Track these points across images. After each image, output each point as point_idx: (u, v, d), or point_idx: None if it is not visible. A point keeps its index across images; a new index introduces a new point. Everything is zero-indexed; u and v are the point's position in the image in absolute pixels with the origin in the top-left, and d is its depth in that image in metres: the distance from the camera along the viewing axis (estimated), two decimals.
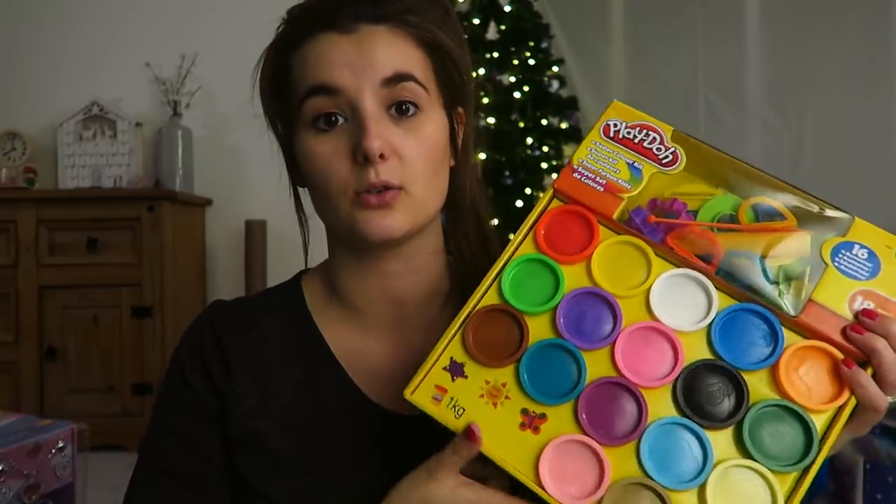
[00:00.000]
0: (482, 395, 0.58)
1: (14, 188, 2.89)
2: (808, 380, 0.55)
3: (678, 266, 0.60)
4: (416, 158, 0.64)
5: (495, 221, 3.03)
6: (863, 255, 0.58)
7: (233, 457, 0.68)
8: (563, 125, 3.26)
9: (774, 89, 3.77)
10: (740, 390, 0.55)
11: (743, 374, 0.56)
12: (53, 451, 0.78)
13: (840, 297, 0.56)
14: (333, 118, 0.63)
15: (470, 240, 0.72)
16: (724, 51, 3.79)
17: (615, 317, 0.59)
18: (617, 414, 0.56)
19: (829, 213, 0.59)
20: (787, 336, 0.57)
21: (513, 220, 3.03)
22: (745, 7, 3.81)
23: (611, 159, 0.64)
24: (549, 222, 0.63)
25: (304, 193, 0.73)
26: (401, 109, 0.64)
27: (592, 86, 3.84)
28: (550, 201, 0.64)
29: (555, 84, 3.32)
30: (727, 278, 0.58)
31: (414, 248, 0.69)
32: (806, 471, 0.53)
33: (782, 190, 0.61)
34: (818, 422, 0.54)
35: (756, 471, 0.53)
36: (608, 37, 3.90)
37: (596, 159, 0.64)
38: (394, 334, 0.71)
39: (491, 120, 3.08)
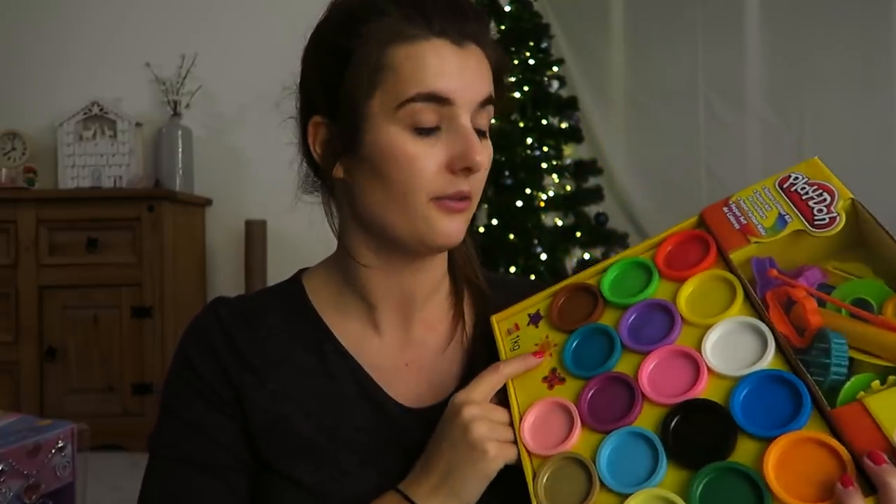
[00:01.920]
0: (537, 344, 0.68)
1: (14, 188, 2.89)
2: (796, 471, 0.50)
3: (760, 318, 0.58)
4: (483, 175, 0.69)
5: (495, 221, 3.03)
6: None
7: (255, 444, 0.68)
8: (563, 125, 3.26)
9: (774, 89, 3.77)
10: (727, 443, 0.53)
11: (740, 434, 0.53)
12: (53, 451, 0.78)
13: (894, 420, 0.49)
14: (437, 126, 0.65)
15: (466, 242, 0.76)
16: (724, 51, 3.80)
17: (671, 333, 0.62)
18: (611, 405, 0.61)
19: None
20: (810, 423, 0.51)
21: (513, 221, 3.03)
22: (745, 7, 3.81)
23: (766, 206, 0.65)
24: (677, 241, 0.68)
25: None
26: (479, 131, 0.67)
27: (592, 86, 3.84)
28: (695, 225, 0.69)
29: (555, 84, 3.32)
30: (807, 355, 0.54)
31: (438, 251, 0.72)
32: None
33: None
34: None
35: None
36: (608, 37, 3.90)
37: (753, 203, 0.66)
38: (400, 330, 0.73)
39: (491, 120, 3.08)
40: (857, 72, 3.66)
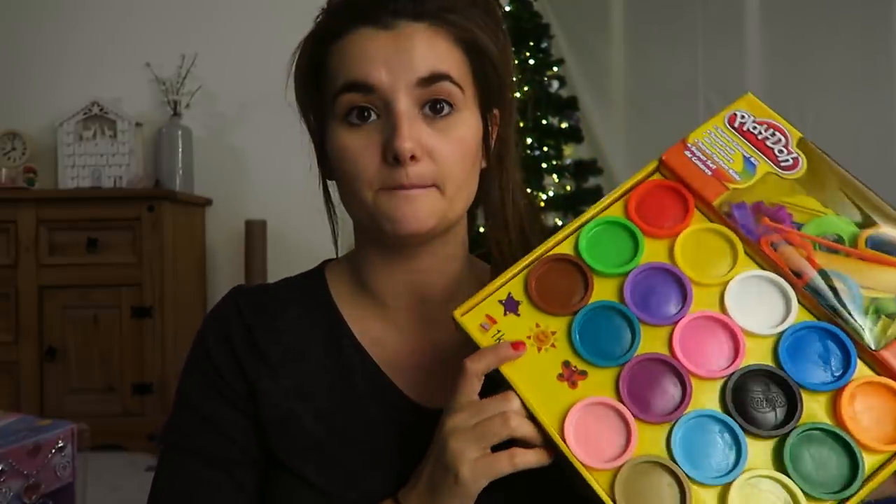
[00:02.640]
0: (528, 337, 0.58)
1: (14, 188, 2.89)
2: (869, 416, 0.53)
3: (764, 268, 0.58)
4: (448, 159, 0.63)
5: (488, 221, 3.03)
6: None
7: (267, 440, 0.67)
8: (563, 125, 3.26)
9: (774, 89, 3.77)
10: (793, 405, 0.53)
11: (802, 392, 0.53)
12: (53, 451, 0.78)
13: None
14: (366, 113, 0.63)
15: (513, 248, 0.70)
16: (724, 51, 3.79)
17: (685, 300, 0.57)
18: (658, 392, 0.55)
19: None
20: (860, 367, 0.54)
21: None
22: (745, 7, 3.81)
23: (728, 148, 0.61)
24: (645, 192, 0.62)
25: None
26: (435, 108, 0.63)
27: (592, 86, 3.83)
28: (653, 172, 0.63)
29: (555, 84, 3.32)
30: (814, 294, 0.56)
31: (439, 245, 0.69)
32: (844, 501, 0.51)
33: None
34: (868, 460, 0.51)
35: (786, 487, 0.51)
36: (608, 37, 3.90)
37: (712, 143, 0.62)
38: (417, 329, 0.71)
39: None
40: (858, 72, 3.66)
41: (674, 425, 0.53)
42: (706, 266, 0.59)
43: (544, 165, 3.16)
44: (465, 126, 0.65)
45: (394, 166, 0.62)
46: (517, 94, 3.11)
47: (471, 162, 0.66)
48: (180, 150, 3.07)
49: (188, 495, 0.67)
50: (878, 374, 0.54)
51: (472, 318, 0.60)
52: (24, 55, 3.17)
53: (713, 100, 3.82)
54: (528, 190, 3.09)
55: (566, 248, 0.61)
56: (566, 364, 0.57)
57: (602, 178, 3.44)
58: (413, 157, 0.61)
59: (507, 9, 3.23)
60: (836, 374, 0.54)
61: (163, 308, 2.77)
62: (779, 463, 0.52)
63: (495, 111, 0.70)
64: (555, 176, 3.21)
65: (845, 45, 3.65)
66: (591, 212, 0.62)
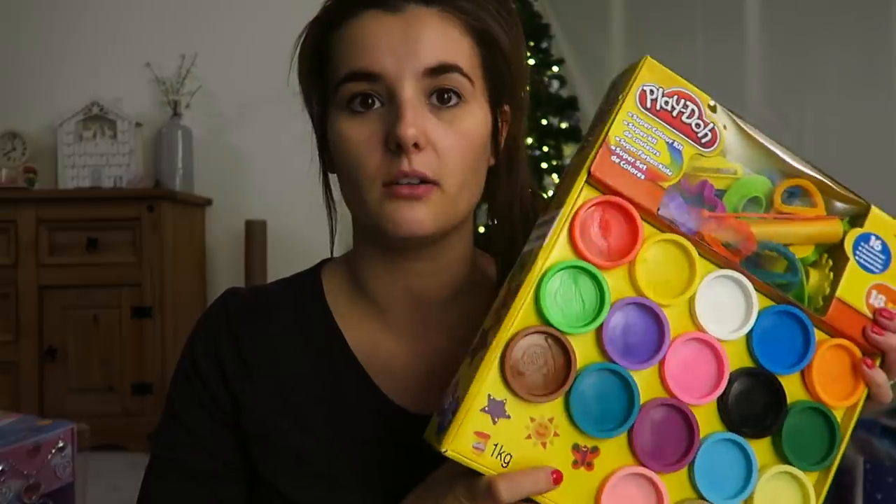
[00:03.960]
0: (529, 437, 0.51)
1: (14, 188, 2.89)
2: (831, 377, 0.57)
3: (719, 266, 0.56)
4: (452, 151, 0.60)
5: (495, 221, 3.03)
6: (877, 246, 0.58)
7: (250, 455, 0.66)
8: (563, 125, 3.26)
9: (774, 89, 3.77)
10: (779, 397, 0.56)
11: (781, 379, 0.56)
12: (53, 451, 0.78)
13: (859, 294, 0.57)
14: (370, 100, 0.60)
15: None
16: (724, 50, 3.79)
17: (662, 330, 0.53)
18: (670, 437, 0.53)
19: (851, 199, 0.58)
20: (817, 335, 0.57)
21: None
22: (745, 7, 3.81)
23: (650, 138, 0.54)
24: (586, 218, 0.53)
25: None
26: (442, 98, 0.60)
27: (592, 86, 3.83)
28: (581, 190, 0.54)
29: (555, 84, 3.32)
30: (754, 270, 0.56)
31: (442, 247, 0.66)
32: (829, 467, 0.56)
33: (809, 174, 0.58)
34: (840, 416, 0.56)
35: (791, 474, 0.55)
36: (608, 37, 3.90)
37: (634, 137, 0.54)
38: (415, 334, 0.68)
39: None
40: (858, 71, 3.66)
41: (692, 462, 0.54)
42: (669, 283, 0.54)
43: (544, 165, 3.16)
44: (473, 119, 0.62)
45: (396, 155, 0.59)
46: None
47: (475, 157, 0.63)
48: (180, 150, 3.07)
49: None
50: (832, 336, 0.57)
51: (461, 443, 0.50)
52: (24, 55, 3.17)
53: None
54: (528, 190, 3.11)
55: (532, 318, 0.52)
56: (575, 448, 0.52)
57: None
58: (416, 146, 0.58)
59: None
60: (801, 350, 0.57)
61: (163, 308, 2.77)
62: (779, 454, 0.56)
63: (506, 107, 0.67)
64: (555, 176, 3.21)
65: (845, 44, 3.65)
66: (539, 263, 0.52)
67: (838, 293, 0.56)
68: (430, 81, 0.60)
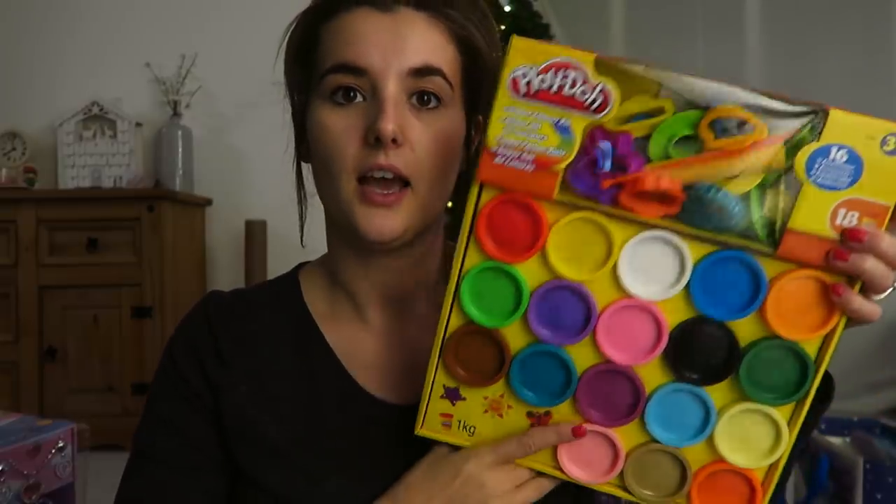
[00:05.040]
0: (486, 411, 0.60)
1: (14, 188, 2.89)
2: (795, 311, 0.53)
3: (640, 228, 0.53)
4: (427, 152, 0.62)
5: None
6: (842, 157, 0.50)
7: (229, 447, 0.67)
8: None
9: (774, 88, 3.76)
10: (731, 341, 0.55)
11: (730, 325, 0.55)
12: (53, 451, 0.78)
13: (821, 217, 0.50)
14: (352, 94, 0.62)
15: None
16: (724, 50, 3.79)
17: (588, 304, 0.55)
18: (615, 397, 0.58)
19: (798, 109, 0.50)
20: (770, 271, 0.52)
21: None
22: (745, 6, 3.81)
23: (532, 125, 0.52)
24: (488, 221, 0.54)
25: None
26: (422, 100, 0.62)
27: None
28: (479, 197, 0.54)
29: None
30: (694, 220, 0.52)
31: (415, 243, 0.68)
32: (805, 396, 0.55)
33: (741, 95, 0.51)
34: (810, 348, 0.54)
35: (757, 410, 0.56)
36: (608, 37, 3.90)
37: (514, 130, 0.52)
38: (390, 328, 0.71)
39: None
40: (858, 71, 3.66)
41: (643, 415, 0.58)
42: (587, 259, 0.54)
43: None
44: (449, 122, 0.64)
45: (374, 148, 0.60)
46: None
47: (448, 160, 0.65)
48: (180, 150, 3.07)
49: (152, 501, 0.67)
50: (790, 269, 0.52)
51: (430, 424, 0.61)
52: (24, 55, 3.17)
53: None
54: None
55: (458, 319, 0.57)
56: (529, 414, 0.60)
57: None
58: (394, 141, 0.60)
59: (507, 9, 3.23)
60: (751, 293, 0.54)
61: (163, 308, 2.77)
62: (741, 393, 0.56)
63: (480, 117, 0.69)
64: None
65: (846, 44, 3.65)
66: (454, 271, 0.56)
67: (790, 224, 0.50)
68: (413, 82, 0.62)
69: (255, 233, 3.01)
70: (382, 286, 0.70)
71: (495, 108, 0.52)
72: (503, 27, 3.19)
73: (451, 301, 0.57)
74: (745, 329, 0.55)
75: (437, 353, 0.59)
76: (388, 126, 0.59)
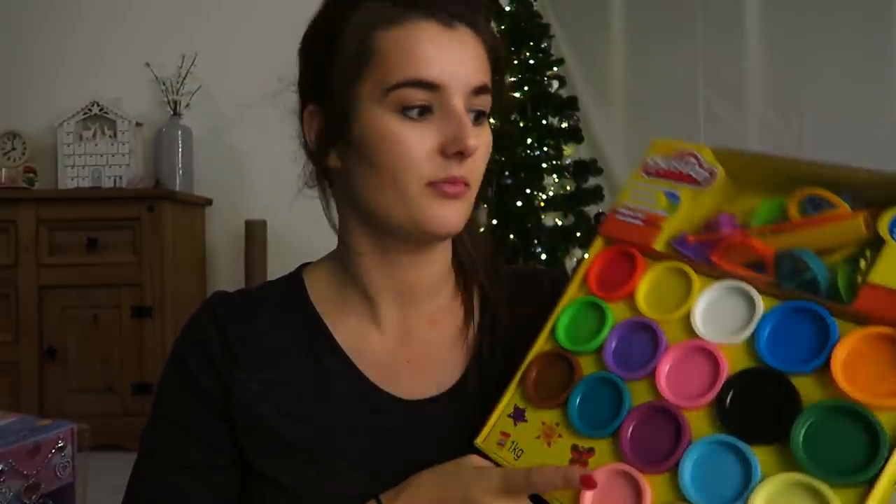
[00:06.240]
0: (538, 437, 0.61)
1: (14, 188, 2.89)
2: (870, 373, 0.47)
3: (721, 279, 0.57)
4: (480, 161, 0.66)
5: (495, 221, 3.03)
6: None
7: (240, 444, 0.68)
8: (563, 125, 3.26)
9: (774, 89, 3.77)
10: (792, 397, 0.49)
11: (794, 380, 0.50)
12: (53, 451, 0.78)
13: None
14: (428, 109, 0.63)
15: (472, 233, 0.75)
16: (724, 50, 3.79)
17: (658, 343, 0.58)
18: (657, 438, 0.54)
19: (880, 177, 0.52)
20: (843, 328, 0.49)
21: (513, 221, 3.03)
22: (745, 7, 3.81)
23: (650, 194, 0.65)
24: (598, 266, 0.65)
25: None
26: (476, 114, 0.66)
27: (592, 86, 3.83)
28: (599, 247, 0.66)
29: (555, 84, 3.32)
30: (776, 276, 0.54)
31: (441, 244, 0.71)
32: (873, 480, 0.44)
33: (829, 175, 0.55)
34: (886, 419, 0.45)
35: (807, 485, 0.46)
36: (608, 37, 3.90)
37: (636, 197, 0.65)
38: (399, 324, 0.72)
39: (491, 120, 3.08)
40: (858, 71, 3.66)
41: (679, 464, 0.52)
42: (668, 303, 0.60)
43: (544, 165, 3.16)
44: (489, 133, 0.68)
45: (450, 160, 0.63)
46: (517, 95, 3.11)
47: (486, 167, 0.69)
48: (180, 150, 3.07)
49: (164, 502, 0.67)
50: (865, 326, 0.49)
51: (490, 440, 0.64)
52: (24, 55, 3.17)
53: (713, 99, 3.82)
54: (528, 191, 3.10)
55: (547, 344, 0.64)
56: (574, 448, 0.58)
57: (602, 178, 3.44)
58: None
59: (507, 9, 3.23)
60: (820, 345, 0.50)
61: (163, 308, 2.77)
62: (792, 461, 0.47)
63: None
64: (555, 176, 3.21)
65: (846, 44, 3.65)
66: (559, 305, 0.65)
67: (869, 278, 0.49)
68: (471, 99, 0.65)
69: (255, 233, 3.01)
70: (401, 283, 0.71)
71: (628, 183, 0.66)
72: (503, 27, 3.19)
73: (549, 328, 0.65)
74: (809, 387, 0.49)
75: (521, 373, 0.64)
76: (473, 143, 0.62)
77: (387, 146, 0.63)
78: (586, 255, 0.67)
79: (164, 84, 3.09)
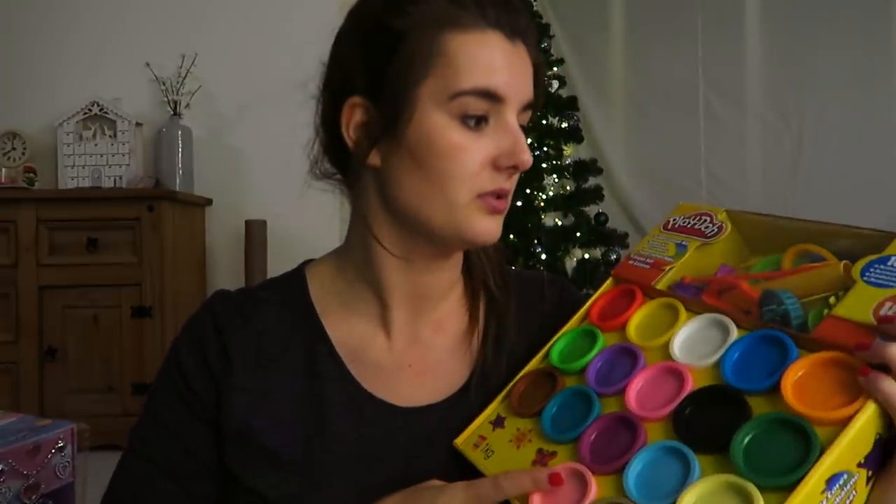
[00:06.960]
0: (511, 440, 0.64)
1: (14, 188, 2.89)
2: (818, 391, 0.50)
3: (706, 312, 0.62)
4: (517, 177, 0.67)
5: None
6: None
7: (225, 452, 0.67)
8: (563, 125, 3.26)
9: (774, 89, 3.77)
10: (742, 411, 0.52)
11: (748, 397, 0.53)
12: (53, 451, 0.78)
13: (865, 307, 0.52)
14: (486, 120, 0.63)
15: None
16: (724, 51, 3.80)
17: (636, 364, 0.62)
18: (615, 444, 0.57)
19: (868, 233, 0.58)
20: (801, 354, 0.53)
21: (513, 221, 3.03)
22: (745, 7, 3.82)
23: (664, 245, 0.71)
24: (602, 301, 0.71)
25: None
26: (522, 129, 0.66)
27: (592, 86, 3.84)
28: (608, 287, 0.72)
29: (555, 84, 3.32)
30: (762, 315, 0.58)
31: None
32: (796, 483, 0.46)
33: (826, 233, 0.60)
34: (823, 432, 0.48)
35: (737, 486, 0.48)
36: (608, 37, 3.90)
37: (651, 247, 0.72)
38: (408, 328, 0.71)
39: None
40: (858, 71, 3.66)
41: (627, 465, 0.54)
42: (653, 330, 0.64)
43: (544, 165, 3.17)
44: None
45: (501, 173, 0.64)
46: None
47: None
48: (180, 150, 3.07)
49: (137, 502, 0.67)
50: (820, 351, 0.53)
51: (468, 441, 0.67)
52: (24, 55, 3.17)
53: (713, 99, 3.83)
54: (528, 190, 3.10)
55: (541, 364, 0.69)
56: (539, 451, 0.62)
57: (602, 178, 3.44)
58: None
59: None
60: (777, 367, 0.53)
61: (163, 308, 2.77)
62: (730, 466, 0.50)
63: None
64: (555, 176, 3.21)
65: (846, 44, 3.65)
66: (559, 332, 0.71)
67: (833, 311, 0.54)
68: (520, 114, 0.65)
69: (255, 233, 3.01)
70: (418, 286, 0.70)
71: (648, 235, 0.73)
72: None
73: (545, 351, 0.70)
74: (761, 403, 0.53)
75: (510, 387, 0.68)
76: (528, 158, 0.63)
77: (443, 152, 0.62)
78: (597, 293, 0.72)
79: (163, 84, 3.09)
